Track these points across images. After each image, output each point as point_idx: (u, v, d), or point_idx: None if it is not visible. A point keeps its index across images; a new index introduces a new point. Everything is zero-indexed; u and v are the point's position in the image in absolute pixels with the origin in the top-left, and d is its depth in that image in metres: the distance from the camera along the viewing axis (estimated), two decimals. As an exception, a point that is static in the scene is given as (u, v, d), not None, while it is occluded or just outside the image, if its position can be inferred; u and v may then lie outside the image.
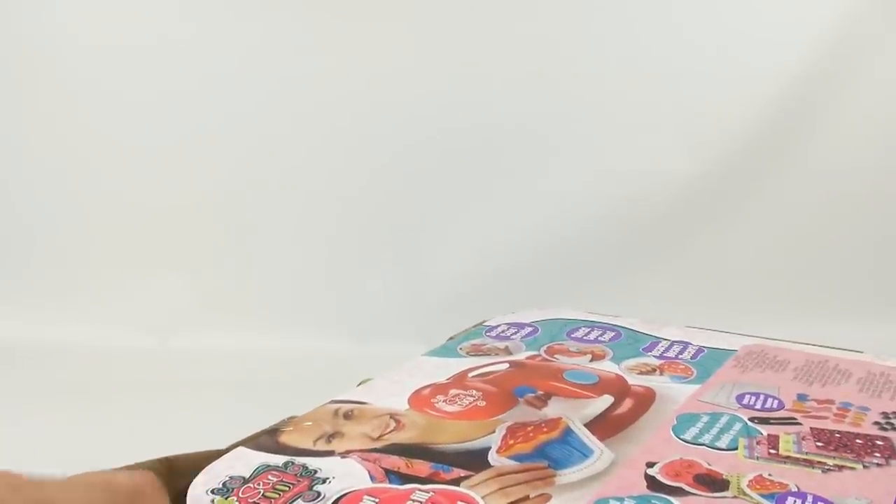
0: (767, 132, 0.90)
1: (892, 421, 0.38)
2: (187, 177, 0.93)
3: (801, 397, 0.41)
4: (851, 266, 0.91)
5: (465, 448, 0.37)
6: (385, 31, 0.89)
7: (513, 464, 0.35)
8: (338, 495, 0.33)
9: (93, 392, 0.74)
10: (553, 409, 0.41)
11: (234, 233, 0.94)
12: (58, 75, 0.91)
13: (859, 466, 0.34)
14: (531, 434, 0.38)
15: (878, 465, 0.34)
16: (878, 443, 0.36)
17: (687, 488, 0.32)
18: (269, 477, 0.34)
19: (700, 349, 0.49)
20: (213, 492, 0.33)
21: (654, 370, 0.46)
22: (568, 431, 0.38)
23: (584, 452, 0.36)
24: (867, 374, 0.44)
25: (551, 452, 0.36)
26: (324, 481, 0.34)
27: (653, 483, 0.33)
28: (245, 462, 0.36)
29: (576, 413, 0.40)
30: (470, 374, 0.46)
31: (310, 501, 0.32)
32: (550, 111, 0.90)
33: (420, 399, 0.43)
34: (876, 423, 0.38)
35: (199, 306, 0.91)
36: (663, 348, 0.50)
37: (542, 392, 0.43)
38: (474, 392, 0.43)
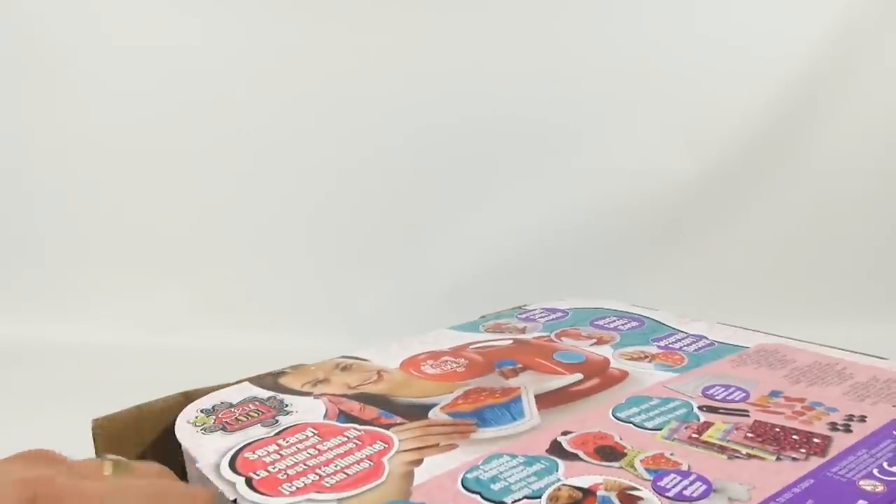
0: (769, 132, 0.86)
1: (850, 423, 0.36)
2: (190, 181, 0.93)
3: (774, 394, 0.40)
4: (852, 266, 0.86)
5: (418, 402, 0.41)
6: (392, 32, 0.89)
7: (445, 418, 0.39)
8: (290, 424, 0.39)
9: (94, 391, 0.67)
10: (520, 381, 0.43)
11: (234, 235, 0.94)
12: (64, 80, 0.91)
13: (773, 458, 0.33)
14: (482, 397, 0.41)
15: (794, 458, 0.33)
16: (815, 440, 0.35)
17: (582, 455, 0.34)
18: (250, 406, 0.41)
19: (711, 343, 0.49)
20: (201, 410, 0.41)
21: (646, 357, 0.47)
22: (516, 399, 0.41)
23: (516, 416, 0.39)
24: (870, 379, 0.42)
25: (488, 414, 0.39)
26: (287, 414, 0.40)
27: (554, 447, 0.35)
28: (241, 393, 0.43)
29: (537, 385, 0.42)
30: (470, 346, 0.50)
31: (268, 426, 0.39)
32: (552, 111, 0.89)
33: (412, 362, 0.48)
34: (831, 423, 0.36)
35: (200, 307, 0.91)
36: (674, 340, 0.50)
37: (520, 365, 0.46)
38: (461, 360, 0.47)
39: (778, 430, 0.36)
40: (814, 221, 0.88)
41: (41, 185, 0.92)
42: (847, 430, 0.36)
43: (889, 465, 0.32)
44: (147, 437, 0.42)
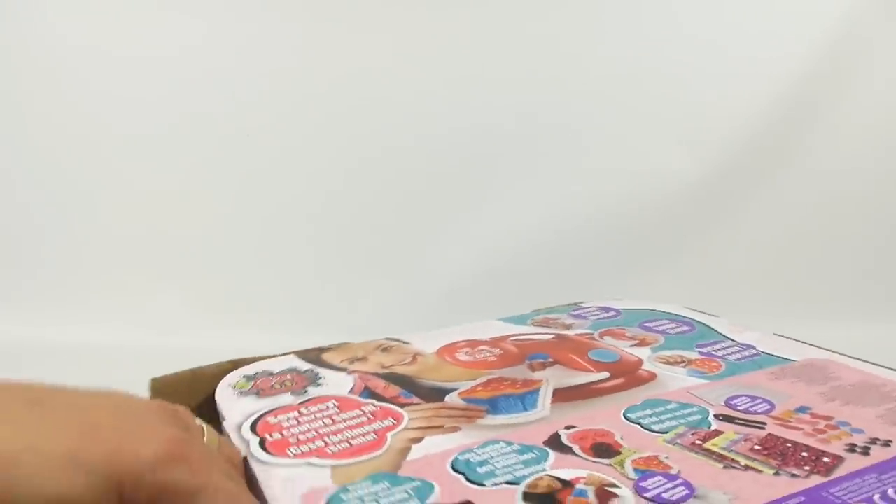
0: (769, 132, 0.86)
1: (871, 447, 0.34)
2: (192, 181, 0.92)
3: (801, 409, 0.39)
4: (852, 266, 0.87)
5: (440, 386, 0.43)
6: (392, 33, 0.88)
7: (459, 403, 0.40)
8: (317, 395, 0.42)
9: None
10: (545, 374, 0.44)
11: (235, 235, 0.93)
12: (64, 81, 0.90)
13: (771, 472, 0.32)
14: (501, 387, 0.42)
15: (793, 475, 0.32)
16: (825, 459, 0.33)
17: (576, 450, 0.35)
18: (288, 376, 0.45)
19: (756, 354, 0.47)
20: (244, 376, 0.45)
21: (682, 362, 0.46)
22: (534, 391, 0.41)
23: (527, 407, 0.39)
24: (915, 404, 0.39)
25: (502, 402, 0.40)
26: (318, 385, 0.43)
27: (552, 440, 0.36)
28: (284, 364, 0.47)
29: (559, 380, 0.43)
30: (511, 338, 0.51)
31: (297, 395, 0.42)
32: (553, 111, 0.87)
33: (449, 348, 0.49)
34: (851, 444, 0.35)
35: (201, 307, 0.90)
36: (719, 347, 0.49)
37: (550, 360, 0.46)
38: (496, 350, 0.48)
39: (789, 445, 0.35)
40: (814, 221, 0.88)
41: (41, 186, 0.91)
42: (865, 452, 0.34)
43: (895, 494, 0.31)
44: (198, 398, 0.46)
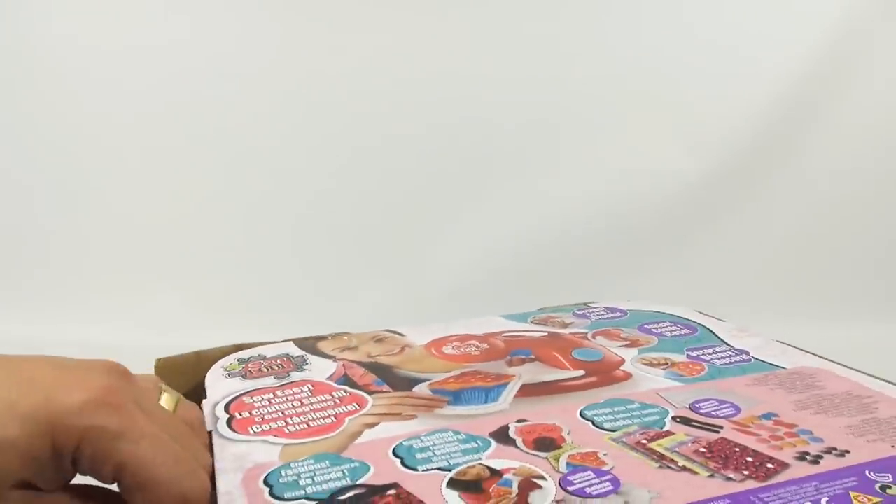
0: (769, 133, 0.85)
1: (823, 456, 0.33)
2: (191, 181, 0.92)
3: (766, 416, 0.37)
4: (852, 265, 0.87)
5: (414, 376, 0.44)
6: (393, 32, 0.88)
7: (425, 393, 0.41)
8: (297, 380, 0.44)
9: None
10: (521, 370, 0.45)
11: (234, 235, 0.93)
12: (64, 81, 0.90)
13: (706, 474, 0.32)
14: (473, 380, 0.43)
15: (729, 478, 0.31)
16: (768, 465, 0.32)
17: (518, 442, 0.35)
18: (278, 361, 0.47)
19: (747, 360, 0.46)
20: (238, 359, 0.47)
21: (664, 364, 0.45)
22: (501, 385, 0.42)
23: (489, 400, 0.40)
24: (891, 417, 0.37)
25: (467, 394, 0.41)
26: (302, 371, 0.45)
27: (499, 431, 0.36)
28: (278, 349, 0.49)
29: (532, 376, 0.43)
30: (503, 334, 0.52)
31: (279, 378, 0.44)
32: (555, 111, 0.87)
33: (438, 341, 0.50)
34: (804, 453, 0.34)
35: (200, 307, 0.90)
36: (710, 351, 0.47)
37: (532, 356, 0.47)
38: (483, 346, 0.49)
39: (737, 449, 0.34)
40: (814, 222, 0.88)
41: (42, 186, 0.92)
42: (815, 461, 0.33)
43: (829, 503, 0.30)
44: (200, 378, 0.49)
